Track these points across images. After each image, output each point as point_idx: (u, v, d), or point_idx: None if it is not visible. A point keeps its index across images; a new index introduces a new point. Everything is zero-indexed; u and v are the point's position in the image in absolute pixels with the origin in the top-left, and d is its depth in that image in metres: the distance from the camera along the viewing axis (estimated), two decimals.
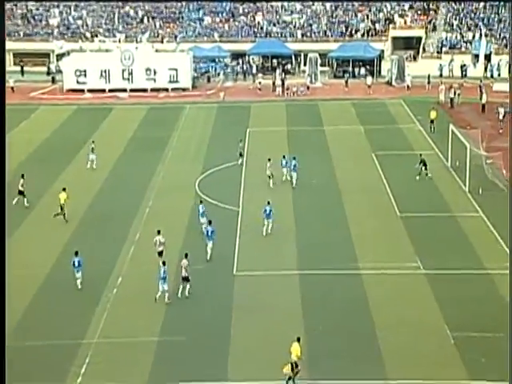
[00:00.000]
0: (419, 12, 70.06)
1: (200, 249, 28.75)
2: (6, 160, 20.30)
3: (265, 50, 67.93)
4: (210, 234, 28.91)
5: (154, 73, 60.75)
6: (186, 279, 25.83)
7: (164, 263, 25.85)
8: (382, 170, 39.73)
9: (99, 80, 60.58)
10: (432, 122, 47.07)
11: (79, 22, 72.91)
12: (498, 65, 62.30)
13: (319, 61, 63.14)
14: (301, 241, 30.77)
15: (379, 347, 22.63)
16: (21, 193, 34.37)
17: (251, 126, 49.72)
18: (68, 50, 66.08)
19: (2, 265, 19.47)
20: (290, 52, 67.33)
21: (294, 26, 70.65)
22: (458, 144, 38.11)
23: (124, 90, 60.10)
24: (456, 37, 66.26)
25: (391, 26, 68.58)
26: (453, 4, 69.47)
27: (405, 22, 68.86)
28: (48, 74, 66.29)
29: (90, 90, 60.25)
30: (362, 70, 65.16)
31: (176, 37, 69.75)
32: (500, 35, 64.92)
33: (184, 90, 60.96)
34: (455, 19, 68.20)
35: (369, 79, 60.67)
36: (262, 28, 70.77)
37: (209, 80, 65.25)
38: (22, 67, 66.85)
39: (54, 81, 64.36)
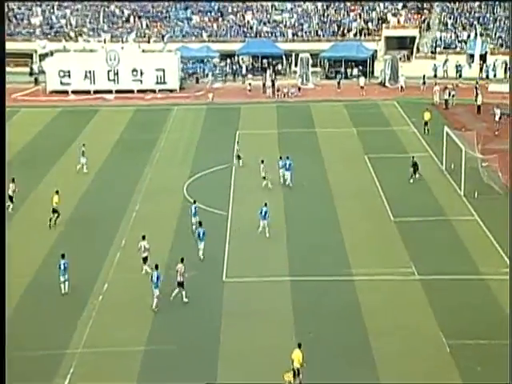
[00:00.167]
0: (413, 11, 70.41)
1: (188, 256, 28.72)
2: (5, 160, 20.38)
3: (255, 50, 68.08)
4: (201, 235, 29.23)
5: (141, 74, 60.75)
6: (181, 284, 25.88)
7: (157, 267, 25.94)
8: (374, 172, 39.89)
9: (84, 81, 60.52)
10: (426, 123, 47.32)
11: (63, 21, 72.80)
12: (494, 65, 62.71)
13: (311, 61, 63.34)
14: (292, 246, 30.84)
15: (372, 355, 22.70)
16: (11, 198, 34.32)
17: (241, 129, 49.81)
18: (51, 50, 65.98)
19: (2, 266, 19.74)
20: (280, 52, 67.49)
21: (285, 26, 70.85)
22: (452, 146, 38.29)
23: (109, 92, 60.07)
24: (450, 36, 66.66)
25: (384, 25, 68.90)
26: (447, 3, 69.83)
27: (398, 22, 69.20)
28: (30, 74, 66.14)
29: (74, 92, 60.18)
30: (355, 71, 65.40)
31: (163, 36, 69.76)
32: (495, 35, 65.35)
33: (171, 91, 61.00)
34: (450, 18, 68.59)
35: (361, 80, 60.90)
36: (251, 27, 70.92)
37: (197, 81, 65.30)
38: None
39: (36, 82, 64.22)
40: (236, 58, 67.79)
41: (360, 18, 70.64)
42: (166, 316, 25.27)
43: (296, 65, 65.60)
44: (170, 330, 24.41)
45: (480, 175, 36.95)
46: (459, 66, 62.93)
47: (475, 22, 66.98)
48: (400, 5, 71.02)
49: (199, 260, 28.94)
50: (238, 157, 41.63)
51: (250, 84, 61.62)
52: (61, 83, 60.85)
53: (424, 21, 69.48)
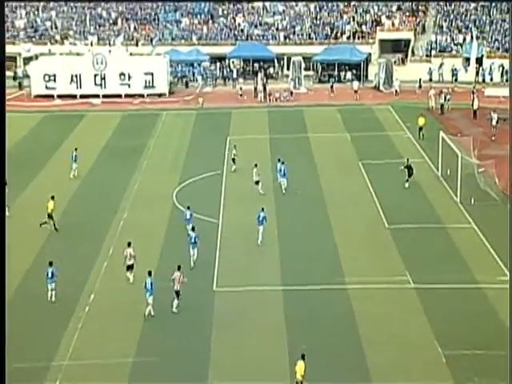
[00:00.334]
0: (407, 13, 70.86)
1: (177, 265, 28.76)
2: (5, 160, 20.47)
3: (246, 53, 68.33)
4: (194, 240, 29.52)
5: (129, 78, 60.85)
6: (177, 293, 26.06)
7: (150, 273, 26.02)
8: (369, 179, 40.09)
9: (70, 85, 60.55)
10: (421, 128, 47.59)
11: (48, 24, 72.88)
12: (490, 68, 63.12)
13: (303, 65, 63.63)
14: (284, 254, 30.95)
15: (367, 365, 22.79)
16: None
17: (232, 134, 49.95)
18: (36, 54, 66.02)
19: (2, 267, 20.02)
20: (272, 55, 67.76)
21: (277, 28, 71.15)
22: (448, 152, 38.53)
23: (96, 96, 60.11)
24: (446, 39, 67.09)
25: (378, 28, 69.32)
26: (442, 5, 70.28)
27: (393, 24, 69.62)
28: (14, 78, 66.06)
29: (59, 96, 60.19)
30: (348, 75, 65.71)
31: (152, 39, 69.96)
32: (492, 38, 65.84)
33: (160, 95, 61.11)
34: (445, 21, 69.05)
35: (355, 84, 61.19)
36: (242, 30, 71.18)
37: (187, 85, 65.44)
38: None
39: (20, 86, 64.21)
40: (227, 61, 68.02)
41: (353, 20, 71.02)
42: (154, 326, 25.28)
43: (288, 68, 65.89)
44: (158, 341, 24.41)
45: (476, 181, 37.17)
46: (455, 69, 63.33)
47: (471, 25, 67.46)
48: (394, 7, 71.46)
49: (189, 268, 28.94)
50: (233, 160, 41.76)
51: (240, 88, 61.82)
52: (46, 87, 60.87)
53: (419, 23, 69.94)
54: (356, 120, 53.08)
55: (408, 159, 39.66)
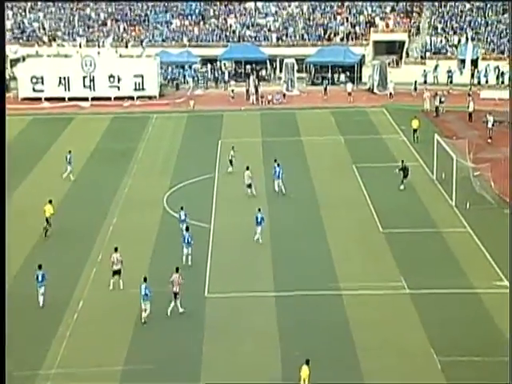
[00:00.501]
0: (402, 14, 71.10)
1: (168, 271, 28.76)
2: (5, 160, 20.54)
3: (238, 55, 68.42)
4: (188, 240, 29.80)
5: (118, 80, 60.84)
6: (176, 295, 26.16)
7: (145, 279, 26.06)
8: (363, 182, 40.21)
9: (58, 88, 60.47)
10: (415, 131, 47.79)
11: (35, 25, 72.77)
12: (486, 70, 63.39)
13: (296, 66, 63.77)
14: (277, 259, 31.00)
15: (361, 371, 22.85)
16: None
17: (223, 137, 50.02)
18: (23, 55, 65.94)
19: (2, 262, 20.42)
20: (264, 57, 67.88)
21: (269, 30, 71.26)
22: (443, 155, 38.72)
23: (85, 99, 60.07)
24: (441, 41, 67.33)
25: (372, 29, 69.51)
26: (437, 6, 70.56)
27: (387, 26, 69.83)
28: None
29: (47, 99, 60.12)
30: (342, 77, 65.89)
31: (142, 41, 69.94)
32: (487, 39, 66.12)
33: (150, 98, 61.12)
34: (440, 22, 69.30)
35: (349, 86, 61.36)
36: (234, 31, 71.27)
37: (177, 88, 65.48)
38: None
39: (7, 89, 64.05)
40: (218, 63, 68.11)
41: (347, 21, 71.22)
42: (145, 334, 25.28)
43: (281, 70, 66.01)
44: (149, 349, 24.37)
45: (472, 185, 37.33)
46: (450, 71, 63.59)
47: (466, 26, 67.75)
48: (388, 8, 71.67)
49: (181, 268, 28.86)
50: (230, 162, 41.81)
51: (232, 91, 61.90)
52: (33, 90, 60.78)
53: (413, 25, 70.18)
54: (350, 123, 53.25)
55: (403, 161, 39.85)
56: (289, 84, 63.60)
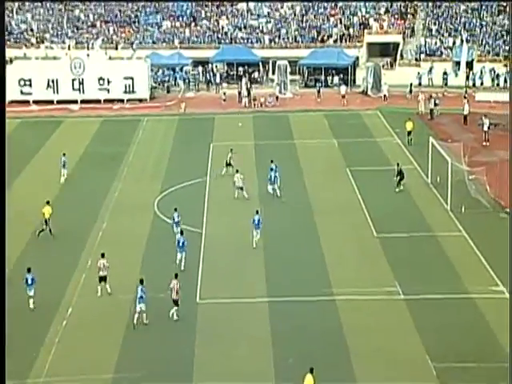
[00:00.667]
0: (396, 16, 71.37)
1: (159, 277, 28.79)
2: (5, 160, 20.57)
3: (229, 57, 68.51)
4: (182, 244, 29.92)
5: (108, 82, 60.83)
6: (176, 302, 26.20)
7: (142, 282, 26.11)
8: (356, 186, 40.32)
9: (46, 90, 60.43)
10: (409, 133, 47.96)
11: (23, 26, 72.72)
12: (481, 72, 63.70)
13: (289, 69, 63.89)
14: (270, 264, 31.04)
15: (355, 377, 22.92)
16: None
17: (215, 141, 50.07)
18: (10, 58, 65.65)
19: (2, 265, 20.10)
20: (256, 59, 68.01)
21: (262, 31, 71.42)
22: (438, 158, 38.84)
23: (74, 102, 60.04)
24: (435, 43, 67.60)
25: (366, 31, 69.74)
26: (432, 7, 70.86)
27: (381, 27, 70.08)
28: None
29: (35, 102, 60.05)
30: (336, 79, 66.05)
31: (132, 43, 69.96)
32: (482, 41, 66.42)
33: (141, 100, 61.13)
34: (435, 24, 69.59)
35: (343, 88, 61.50)
36: (226, 33, 71.40)
37: (168, 90, 65.53)
38: None
39: None
40: (210, 65, 68.14)
41: (341, 23, 71.43)
42: (135, 341, 25.27)
43: (273, 73, 66.13)
44: (139, 357, 24.36)
45: (467, 188, 37.45)
46: (445, 73, 63.84)
47: (461, 28, 68.05)
48: (383, 9, 71.94)
49: (174, 273, 28.88)
50: (229, 164, 41.83)
51: (224, 93, 61.97)
52: (21, 93, 60.68)
53: (408, 26, 70.44)
54: (343, 125, 53.39)
55: (398, 163, 40.01)
56: (282, 86, 63.72)
